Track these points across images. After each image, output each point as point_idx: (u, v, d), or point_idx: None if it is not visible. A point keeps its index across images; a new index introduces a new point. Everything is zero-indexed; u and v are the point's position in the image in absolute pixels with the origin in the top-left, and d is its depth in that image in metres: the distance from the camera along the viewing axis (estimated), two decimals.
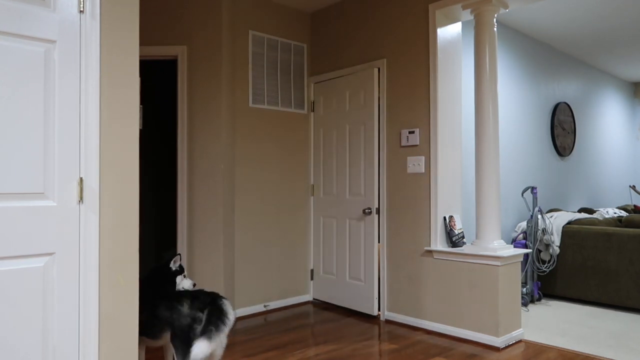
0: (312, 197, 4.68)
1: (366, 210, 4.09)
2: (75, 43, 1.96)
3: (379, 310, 4.12)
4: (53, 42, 1.91)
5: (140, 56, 3.59)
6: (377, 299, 4.10)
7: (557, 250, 4.56)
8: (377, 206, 4.06)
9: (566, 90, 6.34)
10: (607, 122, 7.40)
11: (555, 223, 4.70)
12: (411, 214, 3.84)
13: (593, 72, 7.04)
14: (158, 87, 5.47)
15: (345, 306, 4.31)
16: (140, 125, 2.22)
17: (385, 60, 4.04)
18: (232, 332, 3.72)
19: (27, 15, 1.85)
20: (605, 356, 3.13)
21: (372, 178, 4.08)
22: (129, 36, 2.12)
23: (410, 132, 3.84)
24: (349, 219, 4.30)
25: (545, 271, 4.56)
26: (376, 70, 4.09)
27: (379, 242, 4.32)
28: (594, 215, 5.28)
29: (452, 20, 3.80)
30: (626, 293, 4.24)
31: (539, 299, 4.58)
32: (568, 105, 6.28)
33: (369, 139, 4.11)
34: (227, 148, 3.82)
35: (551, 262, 4.54)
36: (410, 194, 3.85)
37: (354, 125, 4.26)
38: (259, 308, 4.27)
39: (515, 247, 4.33)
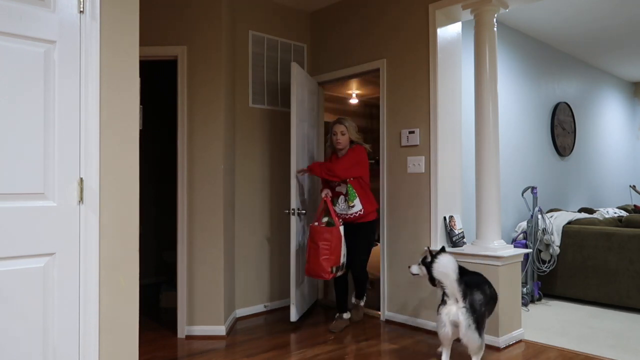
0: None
1: (285, 211, 4.00)
2: (75, 43, 1.96)
3: (377, 312, 4.12)
4: (53, 42, 1.91)
5: (140, 56, 3.58)
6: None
7: (557, 250, 4.56)
8: (294, 207, 3.83)
9: (566, 90, 6.34)
10: (607, 122, 7.40)
11: (555, 223, 4.70)
12: (411, 214, 3.84)
13: (593, 72, 7.03)
14: (159, 87, 5.47)
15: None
16: (140, 126, 2.22)
17: (385, 60, 4.04)
18: (233, 332, 3.72)
19: (27, 15, 1.85)
20: (605, 356, 3.13)
21: (289, 180, 3.92)
22: (129, 36, 2.12)
23: (410, 132, 3.84)
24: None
25: (545, 271, 4.56)
26: (294, 65, 3.92)
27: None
28: (594, 215, 5.28)
29: (452, 20, 3.80)
30: (626, 293, 4.24)
31: (539, 299, 4.58)
32: (568, 105, 6.28)
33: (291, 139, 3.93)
34: (227, 148, 3.82)
35: (551, 262, 4.53)
36: (410, 194, 3.84)
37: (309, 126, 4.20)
38: (259, 308, 4.27)
39: (515, 247, 4.33)
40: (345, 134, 3.74)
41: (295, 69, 3.89)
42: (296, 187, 3.86)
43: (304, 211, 3.99)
